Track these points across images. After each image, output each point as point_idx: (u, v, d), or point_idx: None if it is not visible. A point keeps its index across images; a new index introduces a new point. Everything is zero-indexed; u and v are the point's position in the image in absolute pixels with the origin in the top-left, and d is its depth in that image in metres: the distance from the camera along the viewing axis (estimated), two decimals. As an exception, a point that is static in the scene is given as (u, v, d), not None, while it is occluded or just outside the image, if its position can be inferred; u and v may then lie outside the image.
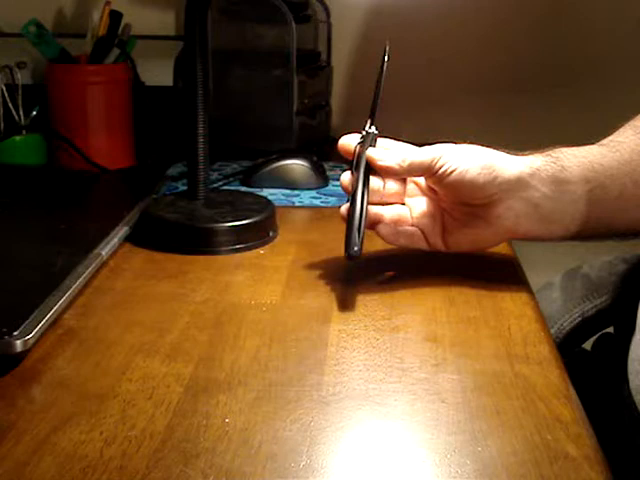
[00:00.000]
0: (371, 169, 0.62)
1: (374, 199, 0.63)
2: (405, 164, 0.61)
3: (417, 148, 0.63)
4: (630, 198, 0.61)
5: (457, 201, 0.63)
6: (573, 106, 1.18)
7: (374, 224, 0.64)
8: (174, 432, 0.41)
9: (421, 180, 0.65)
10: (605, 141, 0.64)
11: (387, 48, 0.65)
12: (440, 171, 0.60)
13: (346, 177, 0.63)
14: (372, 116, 0.65)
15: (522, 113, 1.19)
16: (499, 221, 0.61)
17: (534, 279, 0.67)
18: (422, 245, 0.65)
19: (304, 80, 1.01)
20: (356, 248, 0.57)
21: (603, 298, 0.80)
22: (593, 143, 0.64)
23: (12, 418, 0.43)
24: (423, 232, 0.65)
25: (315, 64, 1.08)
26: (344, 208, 0.62)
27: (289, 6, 0.97)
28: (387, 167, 0.62)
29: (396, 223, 0.65)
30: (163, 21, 1.15)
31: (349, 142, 0.64)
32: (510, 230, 0.62)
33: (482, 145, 0.63)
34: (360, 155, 0.62)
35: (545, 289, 0.84)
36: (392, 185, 0.65)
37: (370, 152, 0.62)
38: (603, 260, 0.81)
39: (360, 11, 1.17)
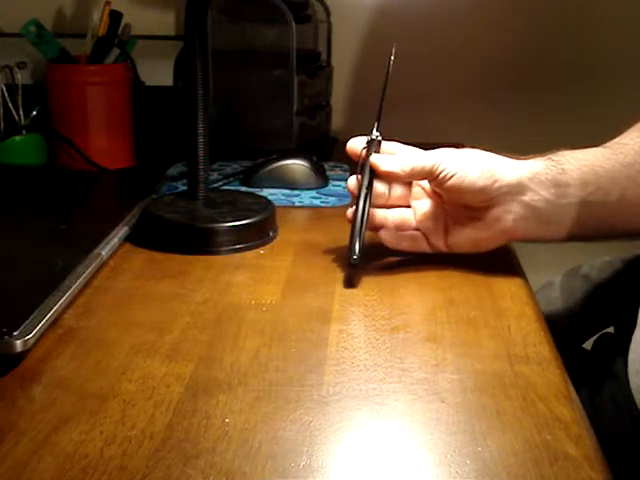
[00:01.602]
0: (375, 174, 0.64)
1: (380, 203, 0.66)
2: (407, 169, 0.63)
3: (420, 152, 0.65)
4: (633, 200, 0.61)
5: (458, 203, 0.64)
6: (570, 106, 1.18)
7: (378, 227, 0.66)
8: (174, 432, 0.41)
9: (426, 183, 0.66)
10: (610, 143, 0.64)
11: (393, 50, 0.67)
12: (441, 175, 0.62)
13: (352, 181, 0.65)
14: (377, 121, 0.67)
15: (520, 113, 1.19)
16: (498, 223, 0.62)
17: (534, 279, 0.67)
18: (424, 248, 0.66)
19: (304, 80, 1.01)
20: (355, 257, 0.60)
21: (603, 298, 0.80)
22: (592, 143, 0.64)
23: (12, 418, 0.43)
24: (425, 234, 0.66)
25: (315, 64, 1.08)
26: (350, 212, 0.65)
27: (289, 6, 0.97)
28: (390, 172, 0.64)
29: (399, 227, 0.67)
30: (163, 21, 1.15)
31: (356, 145, 0.66)
32: (509, 232, 0.63)
33: (482, 147, 0.63)
34: (365, 161, 0.65)
35: (545, 289, 0.84)
36: (397, 189, 0.67)
37: (374, 159, 0.64)
38: (603, 260, 0.81)
39: (360, 11, 1.17)
